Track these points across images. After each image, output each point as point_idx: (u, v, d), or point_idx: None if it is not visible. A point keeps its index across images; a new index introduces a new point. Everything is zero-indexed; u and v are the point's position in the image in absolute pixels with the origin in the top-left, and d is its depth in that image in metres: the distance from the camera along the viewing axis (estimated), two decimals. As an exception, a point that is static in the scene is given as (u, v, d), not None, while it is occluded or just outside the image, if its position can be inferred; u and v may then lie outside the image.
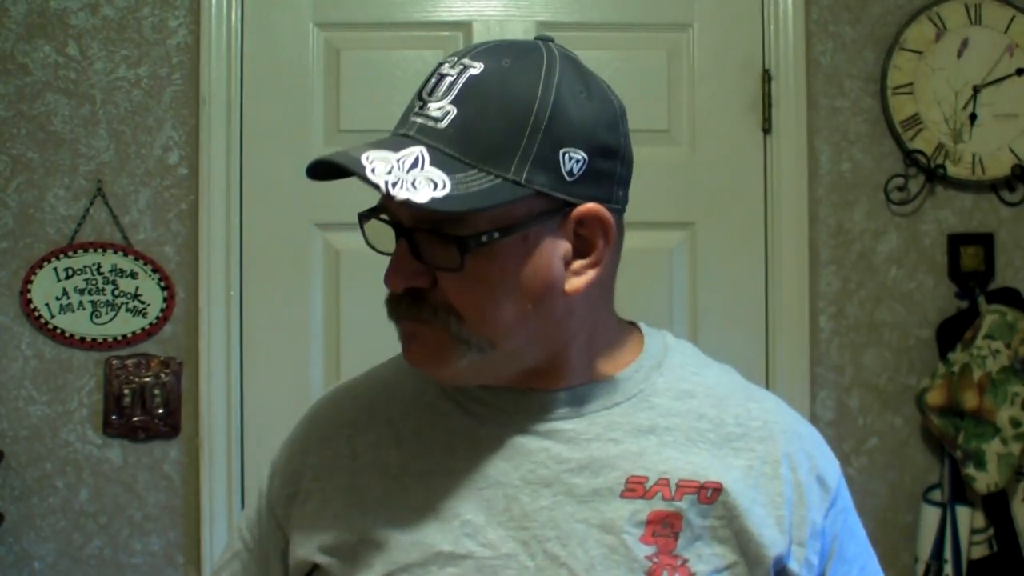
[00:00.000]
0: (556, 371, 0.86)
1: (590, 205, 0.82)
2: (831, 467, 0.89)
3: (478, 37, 1.99)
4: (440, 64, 0.82)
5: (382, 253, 0.84)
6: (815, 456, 0.88)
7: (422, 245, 0.79)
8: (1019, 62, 2.04)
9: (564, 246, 0.82)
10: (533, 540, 0.80)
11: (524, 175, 0.78)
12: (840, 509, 0.88)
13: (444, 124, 0.78)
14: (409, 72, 2.01)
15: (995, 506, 1.97)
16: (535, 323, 0.82)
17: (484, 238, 0.78)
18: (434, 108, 0.79)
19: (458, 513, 0.82)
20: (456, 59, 0.81)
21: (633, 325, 0.94)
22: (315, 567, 0.85)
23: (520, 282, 0.81)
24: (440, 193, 0.76)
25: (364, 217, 0.84)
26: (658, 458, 0.83)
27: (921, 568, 1.96)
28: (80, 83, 1.98)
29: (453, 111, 0.79)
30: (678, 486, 0.82)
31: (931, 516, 1.96)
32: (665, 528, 0.80)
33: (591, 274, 0.83)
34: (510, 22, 2.01)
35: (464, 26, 2.02)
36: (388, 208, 0.81)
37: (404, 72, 2.01)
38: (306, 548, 0.85)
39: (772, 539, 0.82)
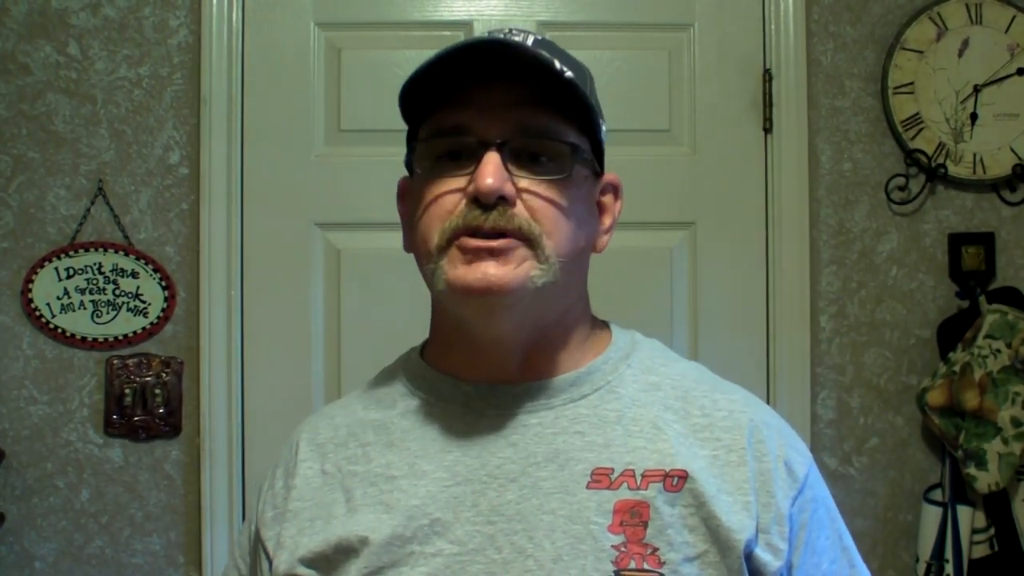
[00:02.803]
0: (532, 360, 0.88)
1: (613, 174, 0.93)
2: (800, 457, 0.89)
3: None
4: (489, 32, 0.89)
5: (428, 176, 0.86)
6: (783, 445, 0.88)
7: (531, 154, 0.84)
8: (1020, 62, 2.04)
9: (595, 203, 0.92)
10: (500, 534, 0.81)
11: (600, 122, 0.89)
12: (809, 499, 0.87)
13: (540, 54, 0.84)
14: (410, 71, 1.99)
15: (996, 506, 1.97)
16: (576, 268, 0.87)
17: (584, 154, 0.86)
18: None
19: (428, 512, 0.83)
20: (506, 30, 0.88)
21: (604, 324, 0.96)
22: None
23: (582, 217, 0.88)
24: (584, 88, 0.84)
25: (436, 137, 0.86)
26: (624, 448, 0.84)
27: (922, 568, 1.96)
28: (81, 83, 1.98)
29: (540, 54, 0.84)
30: (643, 475, 0.82)
31: (932, 516, 1.96)
32: (633, 517, 0.80)
33: (606, 239, 0.93)
34: (511, 22, 2.01)
35: (465, 26, 2.02)
36: (467, 126, 0.84)
37: (405, 72, 1.96)
38: (287, 564, 0.86)
39: (741, 524, 0.81)
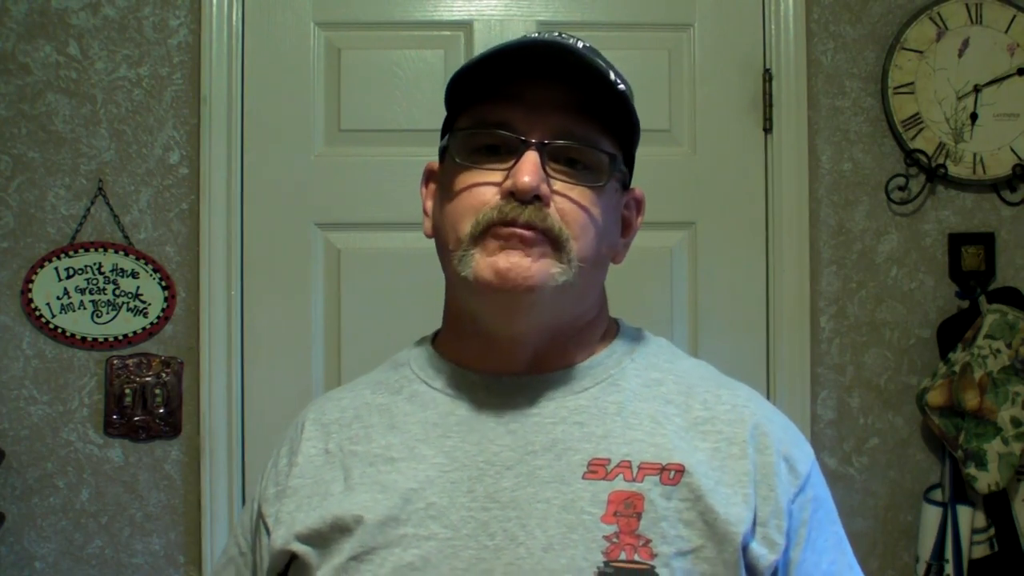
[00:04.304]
0: (541, 356, 0.89)
1: (639, 190, 0.96)
2: (803, 455, 0.89)
3: (479, 36, 2.00)
4: (539, 32, 0.91)
5: (466, 164, 0.87)
6: (785, 441, 0.88)
7: (569, 159, 0.85)
8: (1020, 62, 2.04)
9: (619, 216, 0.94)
10: (494, 520, 0.82)
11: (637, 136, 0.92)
12: (811, 498, 0.87)
13: (596, 63, 0.86)
14: (410, 72, 2.01)
15: (996, 506, 1.97)
16: (595, 275, 0.89)
17: (619, 166, 0.89)
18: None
19: (424, 496, 0.84)
20: (555, 33, 0.89)
21: (615, 321, 0.98)
22: (292, 558, 0.87)
23: (609, 227, 0.90)
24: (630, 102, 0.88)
25: (479, 128, 0.87)
26: (622, 440, 0.85)
27: (922, 568, 1.96)
28: (81, 83, 1.98)
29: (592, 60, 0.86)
30: (640, 467, 0.83)
31: (932, 516, 1.96)
32: (627, 508, 0.81)
33: (625, 252, 0.95)
34: (511, 21, 2.01)
35: (465, 26, 2.02)
36: (512, 123, 0.85)
37: (405, 72, 2.01)
38: (283, 539, 0.87)
39: (739, 516, 0.81)
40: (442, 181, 0.91)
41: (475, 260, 0.83)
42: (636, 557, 0.79)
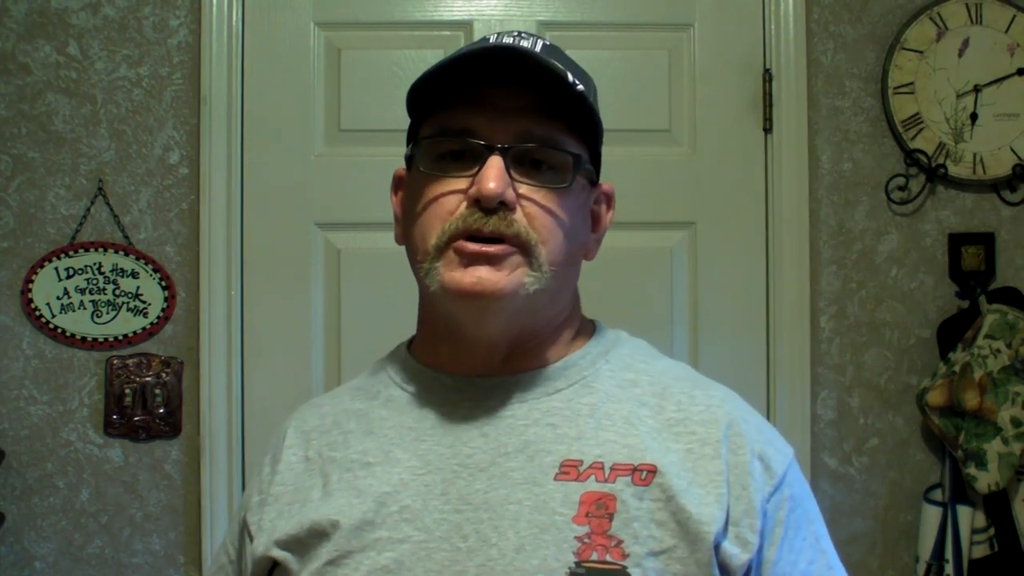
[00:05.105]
0: (515, 357, 0.90)
1: (608, 184, 0.95)
2: (779, 455, 0.88)
3: (479, 36, 1.99)
4: (498, 34, 0.90)
5: (431, 173, 0.87)
6: (760, 441, 0.88)
7: (534, 161, 0.85)
8: (1020, 62, 2.04)
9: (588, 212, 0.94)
10: (467, 522, 0.82)
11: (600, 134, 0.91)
12: (787, 497, 0.86)
13: (549, 62, 0.85)
14: (410, 71, 2.00)
15: (996, 506, 1.97)
16: (567, 276, 0.89)
17: (584, 165, 0.88)
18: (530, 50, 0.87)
19: (398, 499, 0.84)
20: (515, 33, 0.90)
21: (591, 323, 0.98)
22: (275, 565, 0.88)
23: (577, 226, 0.89)
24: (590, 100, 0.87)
25: (442, 136, 0.87)
26: (594, 442, 0.85)
27: (922, 568, 1.96)
28: (81, 83, 1.98)
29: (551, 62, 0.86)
30: (612, 468, 0.83)
31: (932, 516, 1.96)
32: (599, 509, 0.81)
33: (597, 248, 0.95)
34: (511, 21, 2.01)
35: (465, 25, 2.02)
36: (474, 129, 0.85)
37: (405, 72, 2.01)
38: (264, 546, 0.88)
39: (711, 516, 0.81)
40: (409, 190, 0.92)
41: (440, 275, 0.84)
42: (608, 557, 0.79)
